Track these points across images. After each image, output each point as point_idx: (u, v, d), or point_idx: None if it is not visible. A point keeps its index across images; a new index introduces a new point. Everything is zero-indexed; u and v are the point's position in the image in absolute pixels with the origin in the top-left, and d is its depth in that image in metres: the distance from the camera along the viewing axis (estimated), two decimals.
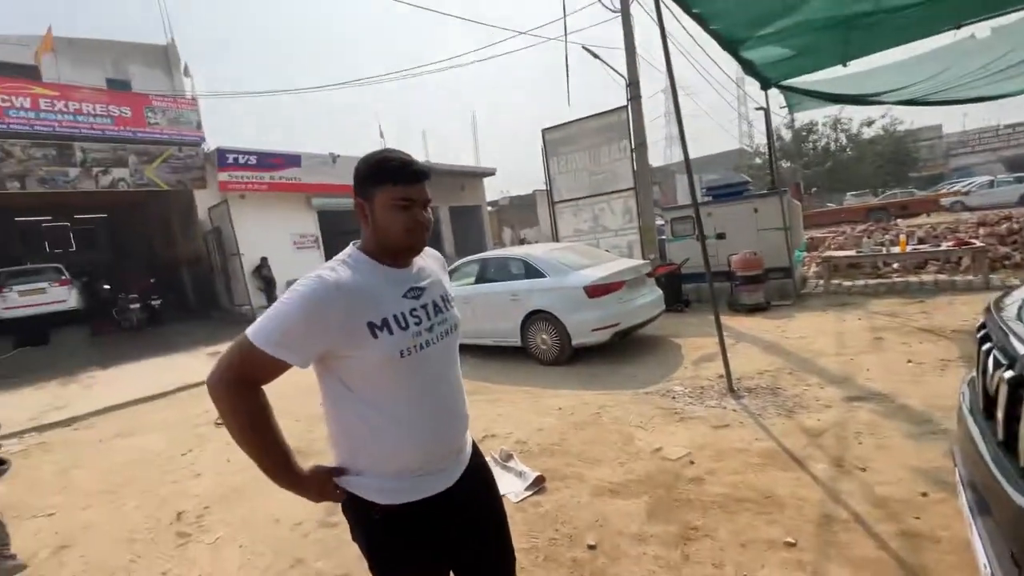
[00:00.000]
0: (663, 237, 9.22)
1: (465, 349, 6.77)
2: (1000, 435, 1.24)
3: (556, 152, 9.03)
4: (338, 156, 16.45)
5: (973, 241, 7.56)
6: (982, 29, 5.19)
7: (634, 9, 8.87)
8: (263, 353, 1.03)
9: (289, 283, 11.68)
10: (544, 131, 9.07)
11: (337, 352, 1.08)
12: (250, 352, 1.04)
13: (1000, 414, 1.24)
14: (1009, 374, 1.21)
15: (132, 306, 13.67)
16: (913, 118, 34.21)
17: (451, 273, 7.02)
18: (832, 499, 2.50)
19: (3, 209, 14.48)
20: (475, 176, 23.74)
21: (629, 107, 8.44)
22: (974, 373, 1.61)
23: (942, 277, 7.62)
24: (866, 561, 2.03)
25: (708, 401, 4.02)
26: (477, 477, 1.30)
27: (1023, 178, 21.70)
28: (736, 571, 2.10)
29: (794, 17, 4.60)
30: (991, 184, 22.34)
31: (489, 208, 25.77)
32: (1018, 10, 4.84)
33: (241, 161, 13.90)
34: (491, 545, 1.32)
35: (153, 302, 14.43)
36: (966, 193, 22.01)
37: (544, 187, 9.84)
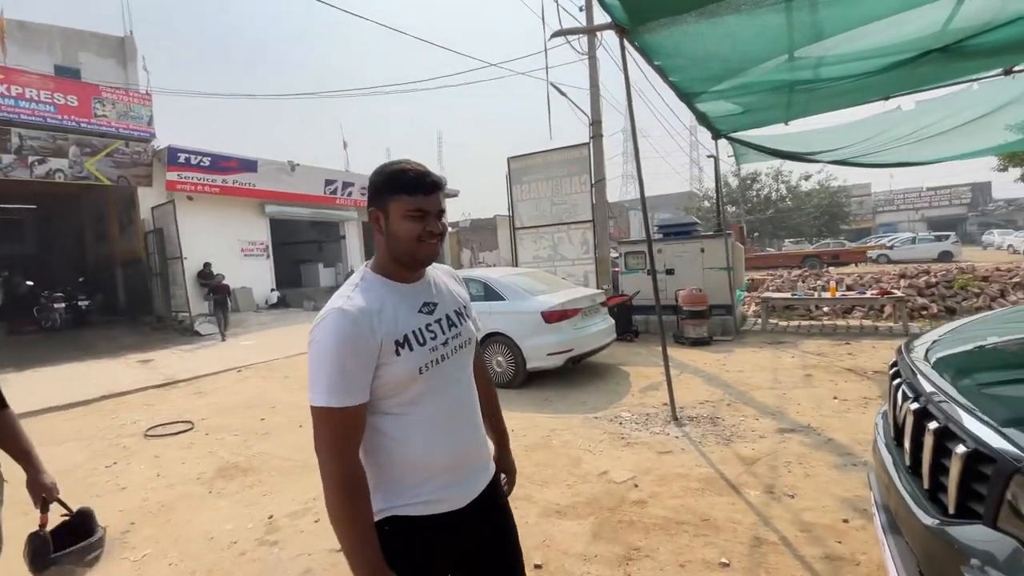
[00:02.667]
0: (617, 269, 9.56)
1: None
2: (907, 461, 1.40)
3: (520, 180, 9.26)
4: (297, 164, 16.14)
5: (895, 291, 8.28)
6: (907, 102, 5.83)
7: (599, 53, 9.35)
8: (333, 410, 1.01)
9: (233, 291, 11.13)
10: (510, 159, 9.30)
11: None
12: (325, 416, 1.02)
13: (907, 442, 1.40)
14: (915, 405, 1.38)
15: (56, 305, 12.69)
16: (846, 176, 37.58)
17: None
18: (763, 523, 2.66)
19: None
20: None
21: (591, 144, 8.82)
22: (887, 406, 1.80)
23: (866, 322, 8.28)
24: None
25: (653, 428, 4.18)
26: (495, 503, 1.29)
27: (942, 236, 24.04)
28: None
29: (744, 78, 5.01)
30: (913, 241, 24.56)
31: (449, 229, 25.87)
32: (937, 87, 5.50)
33: (193, 162, 13.39)
34: (502, 570, 1.30)
35: (80, 302, 13.44)
36: (891, 247, 24.06)
37: (505, 212, 10.03)
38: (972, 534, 1.02)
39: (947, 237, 24.05)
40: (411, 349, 1.09)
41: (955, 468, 1.10)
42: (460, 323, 1.22)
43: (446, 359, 1.15)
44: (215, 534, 2.92)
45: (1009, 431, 1.01)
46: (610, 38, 9.52)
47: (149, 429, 5.05)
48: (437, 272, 1.29)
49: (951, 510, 1.12)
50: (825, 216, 34.47)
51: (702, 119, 6.62)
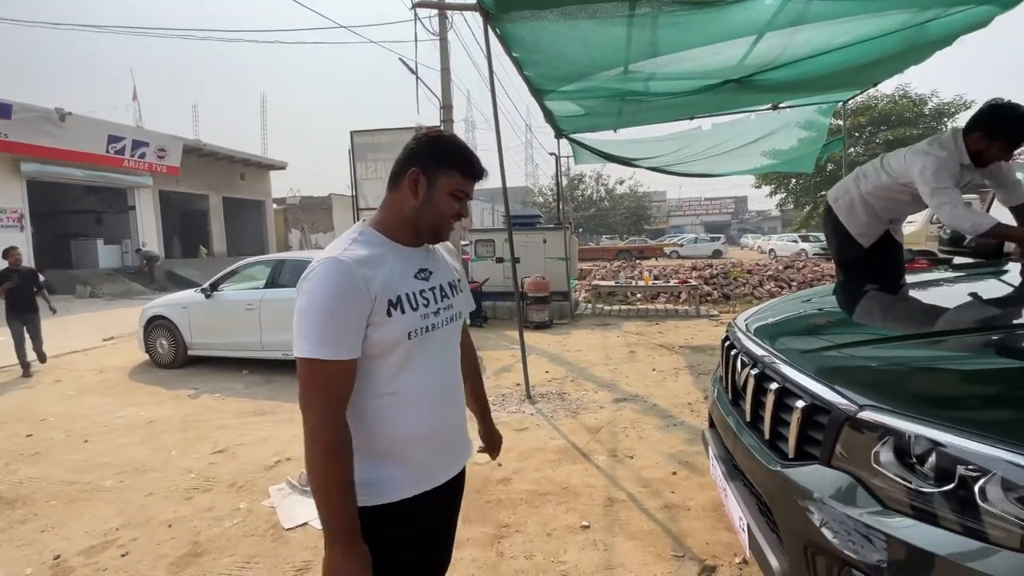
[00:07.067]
0: (466, 256, 9.68)
1: (249, 364, 5.92)
2: (748, 417, 1.67)
3: (364, 157, 8.73)
4: (68, 113, 12.84)
5: (690, 280, 9.93)
6: (706, 123, 6.99)
7: (450, 37, 9.25)
8: (323, 362, 0.96)
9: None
10: (353, 133, 8.70)
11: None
12: (315, 369, 0.96)
13: (748, 402, 1.67)
14: (755, 371, 1.65)
15: None
16: (649, 183, 44.00)
17: (231, 275, 6.13)
18: (613, 484, 2.96)
19: None
20: (260, 167, 21.17)
21: (442, 128, 8.71)
22: (721, 372, 2.13)
23: (669, 306, 9.79)
24: (642, 533, 2.47)
25: (510, 407, 4.35)
26: (462, 484, 1.32)
27: (715, 238, 30.04)
28: (545, 559, 2.31)
29: (587, 83, 5.45)
30: (696, 241, 30.08)
31: (275, 206, 23.21)
32: (728, 114, 6.69)
33: None
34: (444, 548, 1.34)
35: None
36: (681, 245, 29.12)
37: (343, 191, 9.38)
38: (812, 473, 1.26)
39: (719, 239, 30.02)
40: (403, 312, 1.05)
41: (795, 420, 1.34)
42: (452, 295, 1.20)
43: (436, 328, 1.12)
44: None
45: (837, 386, 1.26)
46: (460, 24, 9.45)
47: None
48: (436, 245, 1.27)
49: (791, 455, 1.36)
50: (633, 217, 39.90)
51: (548, 117, 7.02)
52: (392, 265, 1.07)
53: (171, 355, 6.14)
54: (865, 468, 1.12)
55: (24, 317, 5.92)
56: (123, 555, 2.43)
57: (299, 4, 9.11)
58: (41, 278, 6.31)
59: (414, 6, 4.78)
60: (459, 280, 1.25)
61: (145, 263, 15.77)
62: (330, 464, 0.96)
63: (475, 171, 1.13)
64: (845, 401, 1.21)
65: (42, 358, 6.19)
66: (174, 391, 5.27)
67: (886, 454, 1.08)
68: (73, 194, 16.21)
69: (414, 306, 1.07)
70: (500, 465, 3.24)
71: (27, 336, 5.97)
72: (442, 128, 8.68)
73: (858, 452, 1.15)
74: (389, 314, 1.03)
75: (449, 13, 8.73)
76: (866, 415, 1.14)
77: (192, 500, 2.98)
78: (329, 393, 0.97)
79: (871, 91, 9.25)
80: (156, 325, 6.21)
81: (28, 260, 12.56)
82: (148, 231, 16.48)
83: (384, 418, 1.07)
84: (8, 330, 5.80)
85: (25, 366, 5.96)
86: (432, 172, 1.09)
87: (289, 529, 2.61)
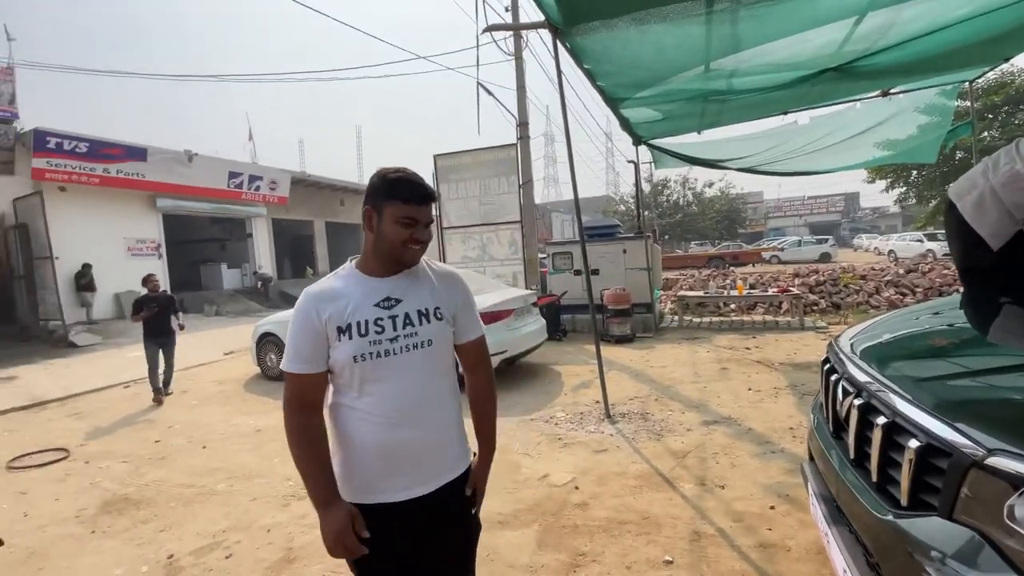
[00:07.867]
0: (544, 269, 9.67)
1: None
2: (852, 454, 1.45)
3: (447, 179, 9.06)
4: (195, 154, 14.71)
5: (792, 289, 9.10)
6: (803, 117, 6.42)
7: (524, 55, 9.39)
8: (294, 375, 1.20)
9: (117, 296, 9.13)
10: (436, 157, 9.08)
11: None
12: (289, 378, 1.21)
13: (851, 436, 1.46)
14: (859, 401, 1.43)
15: None
16: (743, 184, 41.21)
17: None
18: (700, 516, 2.74)
19: None
20: (357, 193, 22.79)
21: (519, 145, 8.84)
22: (822, 399, 1.89)
23: (768, 317, 9.03)
24: (733, 573, 2.24)
25: (588, 426, 4.21)
26: (449, 511, 1.33)
27: (822, 240, 27.15)
28: None
29: (665, 86, 5.23)
30: (799, 244, 27.47)
31: None
32: (828, 105, 6.09)
33: (67, 147, 11.73)
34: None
35: None
36: (781, 249, 26.76)
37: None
38: (930, 527, 1.05)
39: (826, 241, 27.17)
40: (350, 337, 1.18)
41: (908, 462, 1.14)
42: (421, 323, 1.25)
43: (392, 354, 1.20)
44: None
45: (960, 425, 1.05)
46: (535, 41, 9.60)
47: (12, 460, 4.29)
48: (431, 272, 1.34)
49: (904, 503, 1.15)
50: (725, 221, 37.58)
51: (624, 125, 6.84)
52: (350, 296, 1.21)
53: (279, 368, 6.71)
54: (995, 524, 0.92)
55: (160, 341, 6.03)
56: (227, 557, 2.65)
57: (382, 40, 9.74)
58: (177, 301, 6.62)
59: (485, 29, 4.91)
60: (438, 308, 1.28)
61: (261, 284, 17.61)
62: (294, 447, 1.19)
63: (416, 195, 1.21)
64: (970, 443, 1.00)
65: (165, 386, 6.21)
66: (279, 401, 5.69)
67: (1022, 509, 0.87)
68: (201, 224, 18.54)
69: (363, 332, 1.18)
70: (578, 488, 3.13)
71: (161, 360, 6.11)
72: (519, 144, 8.81)
73: (987, 505, 0.94)
74: (339, 339, 1.18)
75: (524, 32, 8.89)
76: (996, 461, 0.93)
77: (289, 507, 3.19)
78: (293, 395, 1.20)
79: (1003, 67, 7.98)
80: (266, 341, 6.84)
81: (164, 284, 14.53)
82: (263, 255, 18.38)
83: (347, 427, 1.23)
84: (144, 352, 6.04)
85: (157, 391, 6.05)
86: (379, 206, 1.22)
87: None
